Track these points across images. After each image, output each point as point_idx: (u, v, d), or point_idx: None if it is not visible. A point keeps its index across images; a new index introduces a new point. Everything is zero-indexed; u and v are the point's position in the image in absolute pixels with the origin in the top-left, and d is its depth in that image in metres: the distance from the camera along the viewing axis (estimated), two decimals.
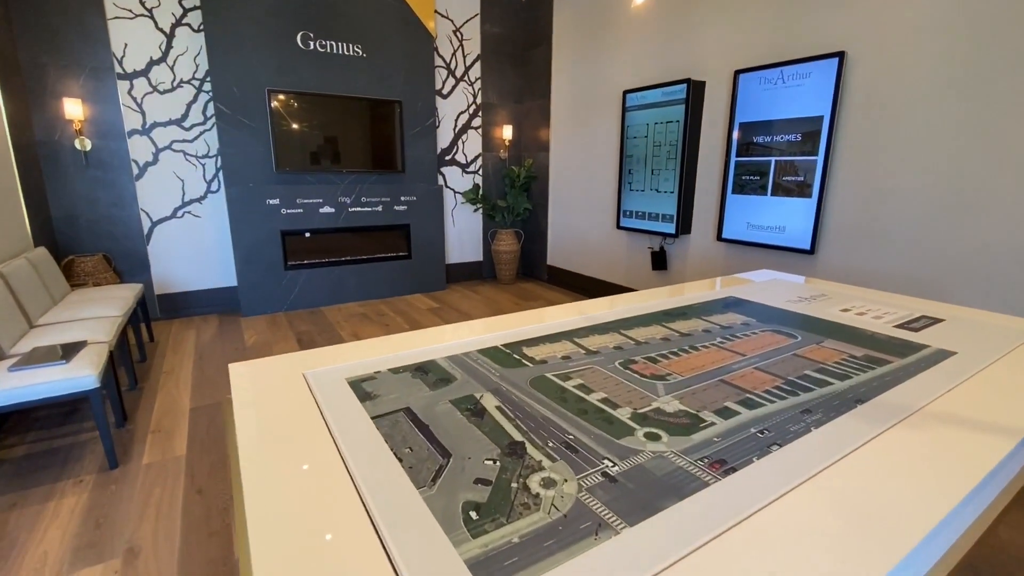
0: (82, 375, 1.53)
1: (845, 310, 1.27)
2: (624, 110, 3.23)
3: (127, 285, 2.59)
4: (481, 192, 4.24)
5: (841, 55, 2.16)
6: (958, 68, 1.87)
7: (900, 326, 1.14)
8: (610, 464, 0.60)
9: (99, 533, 1.33)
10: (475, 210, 4.27)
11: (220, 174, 3.26)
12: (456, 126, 4.08)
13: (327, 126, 3.42)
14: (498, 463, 0.60)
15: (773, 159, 2.45)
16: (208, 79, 3.13)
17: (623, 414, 0.72)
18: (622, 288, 3.62)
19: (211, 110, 3.18)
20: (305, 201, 3.41)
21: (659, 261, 3.21)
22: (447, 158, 4.08)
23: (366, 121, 3.58)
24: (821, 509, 0.53)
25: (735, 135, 2.62)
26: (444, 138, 4.04)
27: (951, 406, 0.75)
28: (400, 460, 0.60)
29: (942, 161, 1.94)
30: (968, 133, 1.87)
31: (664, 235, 3.14)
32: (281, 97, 3.23)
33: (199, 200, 3.25)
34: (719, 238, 2.79)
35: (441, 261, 4.02)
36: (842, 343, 1.02)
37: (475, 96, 4.11)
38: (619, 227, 3.43)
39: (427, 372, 0.85)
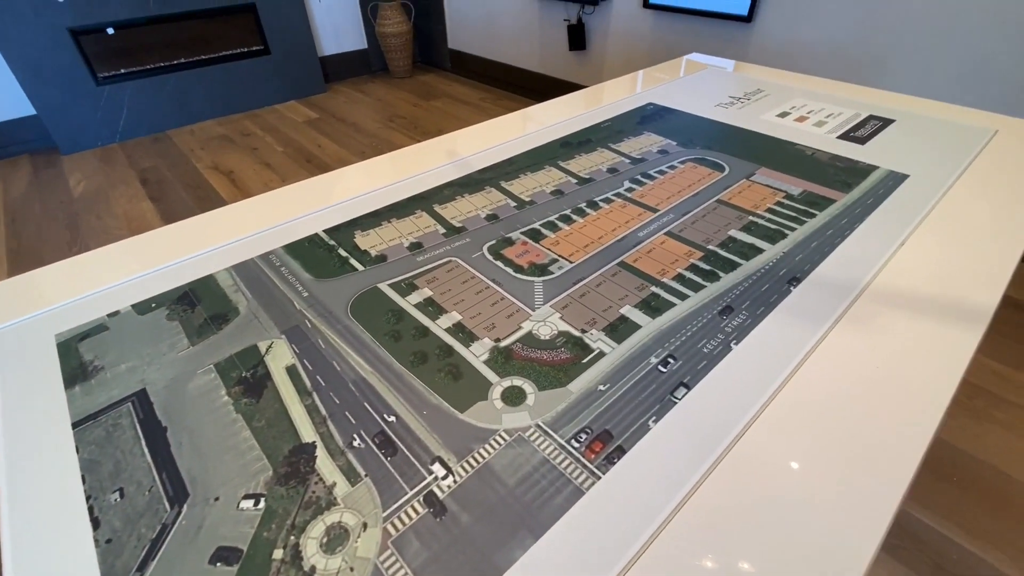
0: None
1: (783, 114, 1.02)
2: None
3: None
4: None
5: None
6: None
7: (845, 136, 0.92)
8: (441, 472, 0.39)
9: None
10: None
11: None
12: None
13: None
14: (263, 503, 0.37)
15: None
16: None
17: (479, 353, 0.49)
18: (536, 76, 3.10)
19: None
20: None
21: (577, 38, 2.67)
22: None
23: None
24: (734, 516, 0.36)
25: None
26: None
27: (904, 275, 0.58)
28: (96, 523, 0.36)
29: None
30: None
31: (583, 2, 2.54)
32: None
33: None
34: (646, 4, 2.28)
35: (312, 53, 3.21)
36: (777, 174, 0.80)
37: None
38: None
39: (195, 303, 0.56)
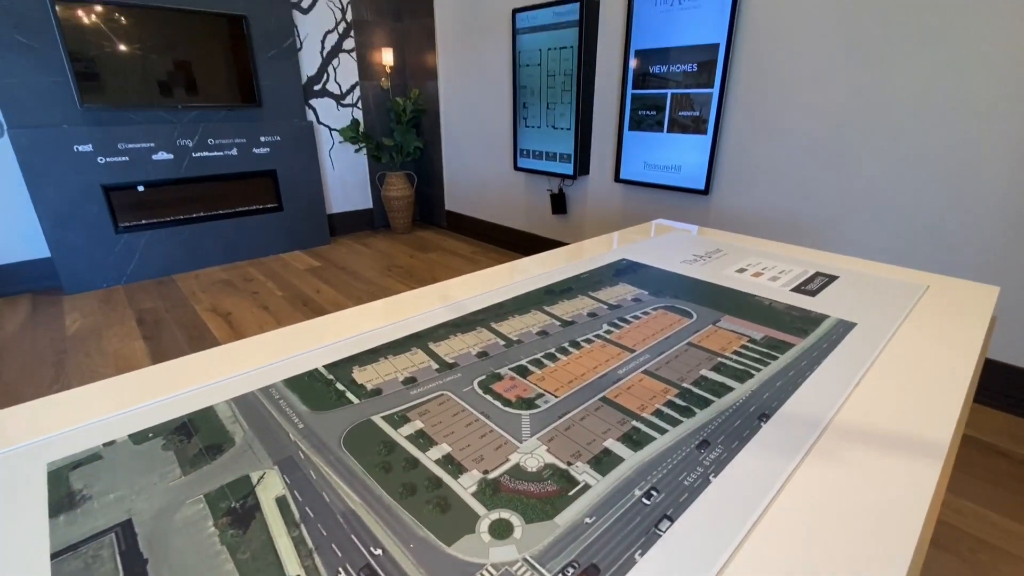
0: None
1: (741, 270, 1.15)
2: (515, 33, 2.87)
3: None
4: (362, 129, 3.73)
5: None
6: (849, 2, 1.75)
7: (797, 289, 1.04)
8: None
9: None
10: (357, 150, 3.77)
11: None
12: (324, 48, 3.47)
13: (147, 47, 2.71)
14: None
15: (669, 92, 2.28)
16: None
17: (467, 484, 0.51)
18: (522, 234, 3.43)
19: None
20: (130, 146, 2.75)
21: (558, 205, 3.03)
22: (316, 88, 3.49)
23: (203, 42, 2.89)
24: None
25: (632, 64, 2.40)
26: (310, 64, 3.43)
27: (862, 412, 0.62)
28: None
29: (834, 98, 1.87)
30: (859, 65, 1.79)
31: (563, 176, 2.94)
32: (75, 8, 2.46)
33: None
34: (617, 179, 2.65)
35: (321, 211, 3.55)
36: (740, 321, 0.88)
37: (344, 11, 3.49)
38: (517, 168, 3.18)
39: (192, 434, 0.58)
